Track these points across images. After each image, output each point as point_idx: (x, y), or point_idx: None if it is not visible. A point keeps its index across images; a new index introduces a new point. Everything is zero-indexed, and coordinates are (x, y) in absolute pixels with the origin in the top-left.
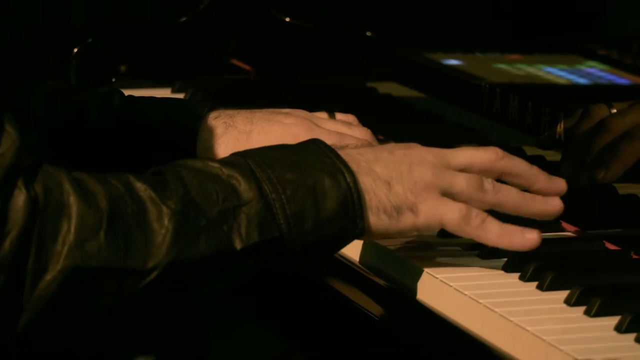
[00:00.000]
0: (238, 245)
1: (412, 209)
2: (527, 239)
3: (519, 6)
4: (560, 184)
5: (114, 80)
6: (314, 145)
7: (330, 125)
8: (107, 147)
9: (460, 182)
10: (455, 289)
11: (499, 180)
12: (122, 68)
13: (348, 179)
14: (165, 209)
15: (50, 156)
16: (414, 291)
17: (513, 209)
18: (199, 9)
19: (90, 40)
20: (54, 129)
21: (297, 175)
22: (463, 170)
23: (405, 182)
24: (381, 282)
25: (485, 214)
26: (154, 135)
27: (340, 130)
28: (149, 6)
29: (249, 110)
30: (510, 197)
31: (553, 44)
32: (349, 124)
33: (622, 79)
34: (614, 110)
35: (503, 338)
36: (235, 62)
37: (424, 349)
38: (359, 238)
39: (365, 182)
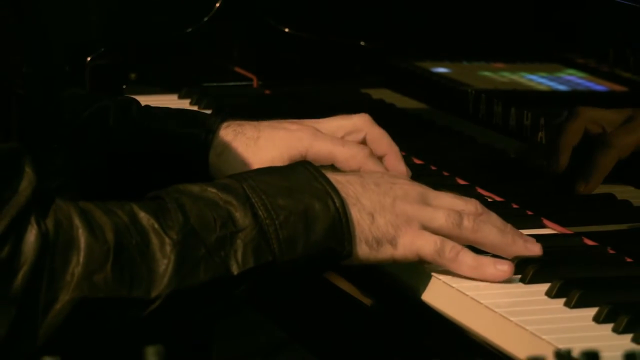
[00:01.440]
0: (235, 270)
1: (392, 242)
2: (499, 269)
3: (503, 18)
4: (535, 250)
5: (124, 87)
6: (305, 170)
7: (330, 124)
8: (124, 150)
9: (440, 217)
10: (443, 282)
11: None
12: (132, 76)
13: (337, 204)
14: (167, 239)
15: (71, 157)
16: (407, 284)
17: (491, 249)
18: (204, 20)
19: (102, 50)
20: (76, 129)
21: (290, 200)
22: None
23: (387, 215)
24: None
25: (459, 247)
26: (169, 142)
27: (339, 126)
28: (157, 18)
29: (256, 121)
30: (489, 238)
31: (534, 53)
32: (348, 117)
33: (599, 86)
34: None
35: (489, 328)
36: (238, 70)
37: (415, 337)
38: (345, 259)
39: (352, 212)
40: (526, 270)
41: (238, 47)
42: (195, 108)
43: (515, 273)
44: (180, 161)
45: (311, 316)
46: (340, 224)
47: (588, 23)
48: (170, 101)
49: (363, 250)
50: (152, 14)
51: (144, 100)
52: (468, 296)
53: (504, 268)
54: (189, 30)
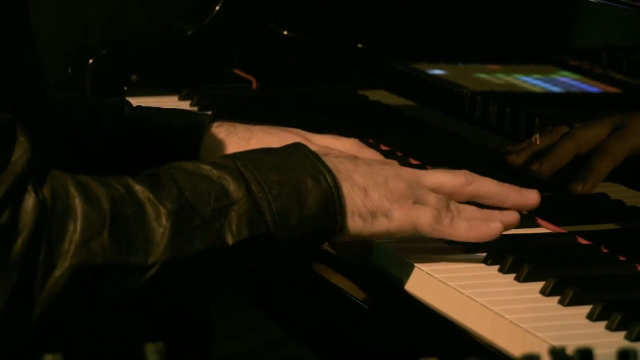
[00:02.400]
0: (230, 241)
1: (387, 215)
2: (492, 228)
3: (498, 21)
4: (532, 197)
5: (125, 88)
6: (297, 149)
7: (320, 140)
8: (117, 149)
9: (431, 199)
10: (439, 280)
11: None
12: (133, 77)
13: (329, 180)
14: (162, 209)
15: (66, 156)
16: (402, 283)
17: (490, 200)
18: (204, 23)
19: (104, 52)
20: (72, 130)
21: (282, 176)
22: (433, 190)
23: (381, 190)
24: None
25: (452, 214)
26: (161, 140)
27: (328, 145)
28: (158, 20)
29: (249, 124)
30: (488, 188)
31: (529, 55)
32: (338, 138)
33: (592, 88)
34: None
35: (484, 325)
36: (237, 72)
37: (411, 336)
38: (337, 235)
39: (344, 187)
40: (521, 268)
41: (237, 50)
42: (195, 109)
43: (510, 271)
44: (172, 158)
45: (306, 312)
46: (332, 199)
47: (581, 25)
48: (171, 102)
49: (356, 224)
50: (153, 17)
51: (145, 101)
52: (464, 294)
53: (496, 225)
54: (189, 32)
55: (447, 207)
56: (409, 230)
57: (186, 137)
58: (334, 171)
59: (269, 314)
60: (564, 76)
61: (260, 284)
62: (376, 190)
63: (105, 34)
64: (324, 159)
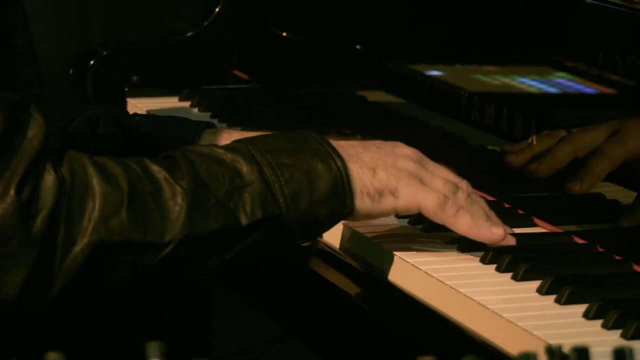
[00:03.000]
0: (244, 221)
1: (394, 193)
2: (494, 233)
3: (495, 23)
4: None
5: (126, 89)
6: (308, 134)
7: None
8: (114, 155)
9: (438, 183)
10: (437, 279)
11: None
12: (134, 78)
13: (338, 164)
14: (178, 189)
15: None
16: (399, 281)
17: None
18: (204, 24)
19: (105, 53)
20: (68, 137)
21: (293, 160)
22: None
23: (389, 169)
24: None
25: (459, 205)
26: (155, 148)
27: None
28: (159, 22)
29: (244, 131)
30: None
31: (526, 57)
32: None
33: (588, 88)
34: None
35: (481, 324)
36: (237, 72)
37: (407, 333)
38: (347, 217)
39: (352, 168)
40: (518, 267)
41: (237, 51)
42: (195, 110)
43: (507, 270)
44: None
45: (302, 309)
46: (342, 183)
47: (577, 27)
48: (172, 103)
49: (365, 204)
50: (154, 19)
51: (146, 102)
52: (461, 293)
53: (499, 231)
54: (190, 34)
55: (455, 194)
56: (414, 210)
57: (180, 145)
58: (344, 155)
59: (265, 311)
60: (560, 77)
61: (255, 282)
62: (384, 169)
63: (106, 35)
64: (333, 143)
